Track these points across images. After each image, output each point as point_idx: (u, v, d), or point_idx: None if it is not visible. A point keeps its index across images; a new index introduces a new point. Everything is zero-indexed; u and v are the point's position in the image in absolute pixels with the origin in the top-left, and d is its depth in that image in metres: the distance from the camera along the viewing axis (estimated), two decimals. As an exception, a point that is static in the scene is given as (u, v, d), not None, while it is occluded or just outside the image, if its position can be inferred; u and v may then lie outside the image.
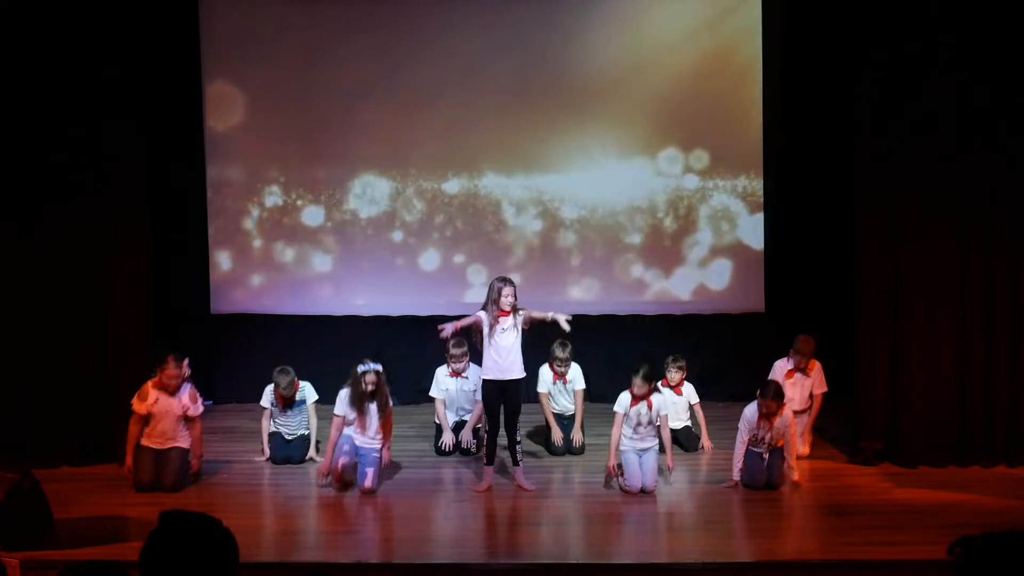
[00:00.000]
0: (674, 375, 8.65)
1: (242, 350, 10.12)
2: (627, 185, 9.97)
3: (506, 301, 7.64)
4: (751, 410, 7.76)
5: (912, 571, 6.31)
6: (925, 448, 8.26)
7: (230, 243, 10.15)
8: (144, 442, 7.86)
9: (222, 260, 10.17)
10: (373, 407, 7.86)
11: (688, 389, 8.76)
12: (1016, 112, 8.07)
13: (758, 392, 7.75)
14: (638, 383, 7.73)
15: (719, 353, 9.95)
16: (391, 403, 8.01)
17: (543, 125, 9.93)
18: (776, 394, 7.74)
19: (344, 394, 7.89)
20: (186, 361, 8.00)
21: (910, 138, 8.11)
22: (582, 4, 9.84)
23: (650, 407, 7.75)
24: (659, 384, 8.22)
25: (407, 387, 9.82)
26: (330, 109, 9.96)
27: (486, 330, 7.69)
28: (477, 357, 8.19)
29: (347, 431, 7.89)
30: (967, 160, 8.11)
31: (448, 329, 7.69)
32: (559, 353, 8.66)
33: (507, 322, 7.66)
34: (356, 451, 7.86)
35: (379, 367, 7.87)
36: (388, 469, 8.02)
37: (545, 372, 8.75)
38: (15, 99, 8.27)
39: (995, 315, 8.20)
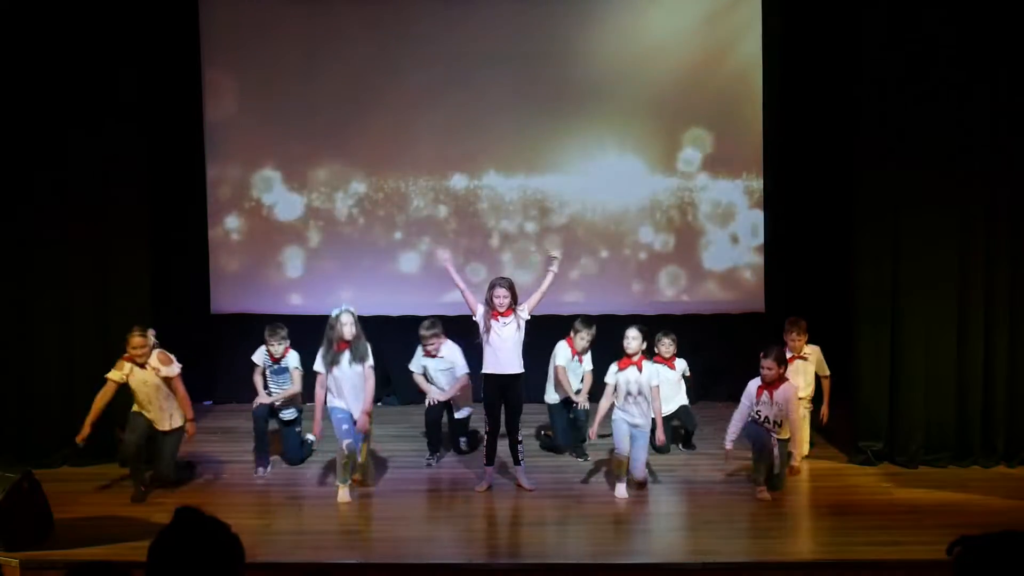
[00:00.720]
0: (667, 347, 8.57)
1: (242, 350, 10.08)
2: (627, 185, 9.98)
3: (498, 303, 7.64)
4: (753, 383, 7.67)
5: (912, 571, 6.32)
6: (925, 448, 8.27)
7: (230, 243, 10.15)
8: (136, 409, 7.79)
9: (222, 260, 10.17)
10: (346, 360, 7.56)
11: (681, 363, 8.68)
12: (1016, 112, 8.07)
13: (761, 354, 7.60)
14: (632, 334, 7.63)
15: (719, 353, 9.95)
16: (372, 361, 7.62)
17: (543, 125, 9.94)
18: (779, 356, 7.58)
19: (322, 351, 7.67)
20: (151, 332, 7.81)
21: (910, 138, 8.12)
22: (582, 4, 9.85)
23: (640, 370, 7.62)
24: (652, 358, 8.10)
25: (407, 387, 9.82)
26: (331, 109, 9.97)
27: (482, 325, 7.70)
28: (450, 335, 8.51)
29: (339, 404, 7.60)
30: (967, 160, 8.11)
31: (449, 261, 7.82)
32: (581, 328, 8.55)
33: (506, 319, 7.66)
34: (352, 428, 7.57)
35: (353, 309, 7.66)
36: (362, 433, 7.67)
37: (563, 347, 8.61)
38: (16, 99, 8.27)
39: (995, 315, 8.21)
